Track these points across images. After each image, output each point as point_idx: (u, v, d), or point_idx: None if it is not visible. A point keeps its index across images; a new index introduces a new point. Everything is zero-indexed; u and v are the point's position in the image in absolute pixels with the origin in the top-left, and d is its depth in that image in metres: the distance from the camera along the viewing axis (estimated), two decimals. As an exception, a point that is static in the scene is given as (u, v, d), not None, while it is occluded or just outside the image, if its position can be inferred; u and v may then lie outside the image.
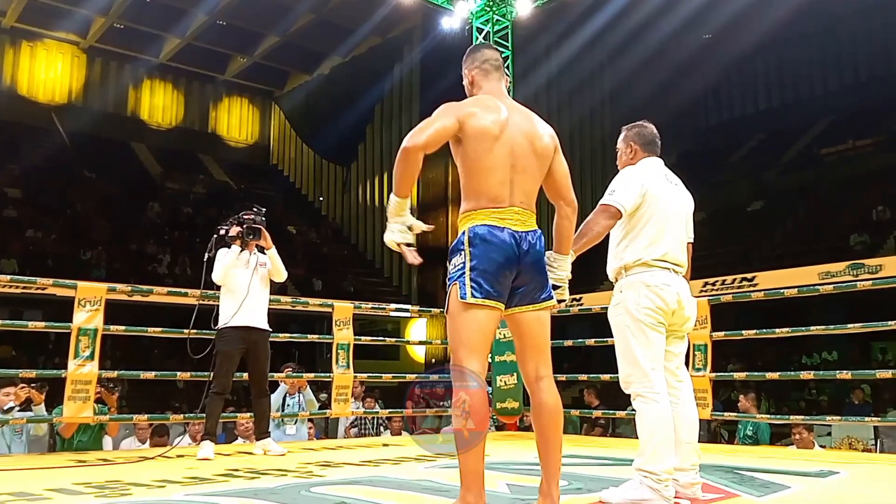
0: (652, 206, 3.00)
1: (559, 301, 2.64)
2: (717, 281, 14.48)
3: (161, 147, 25.36)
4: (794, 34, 20.10)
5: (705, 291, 14.41)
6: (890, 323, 5.23)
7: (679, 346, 3.08)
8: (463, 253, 2.45)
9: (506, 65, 10.25)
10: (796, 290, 5.73)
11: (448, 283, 2.49)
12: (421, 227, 2.48)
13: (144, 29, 22.77)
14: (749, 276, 14.23)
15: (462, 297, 2.40)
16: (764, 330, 5.62)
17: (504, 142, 2.48)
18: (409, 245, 2.50)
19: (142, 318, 5.40)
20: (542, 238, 2.56)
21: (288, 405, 6.26)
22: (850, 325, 5.22)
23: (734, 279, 14.33)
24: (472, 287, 2.40)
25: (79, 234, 18.13)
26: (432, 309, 8.42)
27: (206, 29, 22.24)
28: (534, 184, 2.56)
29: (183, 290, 5.83)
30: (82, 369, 4.65)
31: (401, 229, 2.48)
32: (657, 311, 2.91)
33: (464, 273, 2.42)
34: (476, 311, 2.40)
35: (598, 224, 2.96)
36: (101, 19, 22.26)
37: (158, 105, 26.33)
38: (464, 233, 2.48)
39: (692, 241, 3.16)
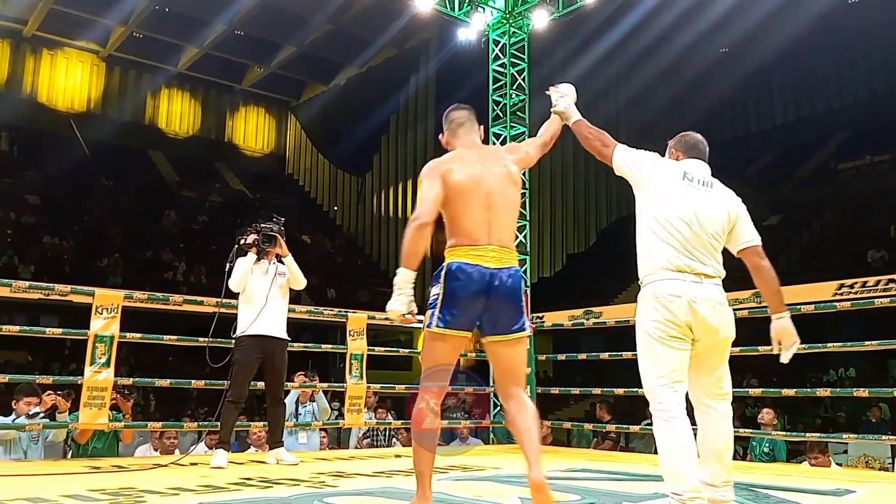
0: (663, 210, 2.86)
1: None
2: (734, 298, 14.39)
3: (178, 155, 25.57)
4: (810, 49, 20.04)
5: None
6: (907, 340, 5.18)
7: (715, 360, 2.85)
8: (439, 285, 2.76)
9: (522, 77, 10.26)
10: (812, 305, 5.69)
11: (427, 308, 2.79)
12: (408, 310, 2.77)
13: (163, 38, 23.02)
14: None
15: (429, 326, 2.75)
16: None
17: (480, 190, 2.82)
18: (413, 314, 2.77)
19: (157, 326, 5.44)
20: (520, 274, 2.85)
21: (300, 413, 6.27)
22: (867, 342, 5.18)
23: (752, 294, 14.23)
24: (438, 317, 2.73)
25: (95, 242, 18.28)
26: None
27: (223, 39, 22.45)
28: (514, 218, 2.96)
29: (199, 299, 5.86)
30: (98, 376, 4.68)
31: (408, 301, 2.78)
32: (666, 324, 2.76)
33: (436, 304, 2.75)
34: (439, 338, 2.75)
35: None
36: (120, 28, 22.53)
37: (176, 114, 26.56)
38: (443, 266, 2.80)
39: (749, 245, 2.91)
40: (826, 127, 22.01)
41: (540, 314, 15.90)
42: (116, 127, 23.75)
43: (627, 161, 2.99)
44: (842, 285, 13.63)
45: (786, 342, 2.87)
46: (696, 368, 2.83)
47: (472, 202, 2.82)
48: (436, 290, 2.77)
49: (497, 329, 2.78)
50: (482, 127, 3.17)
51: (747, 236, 2.93)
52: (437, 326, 2.73)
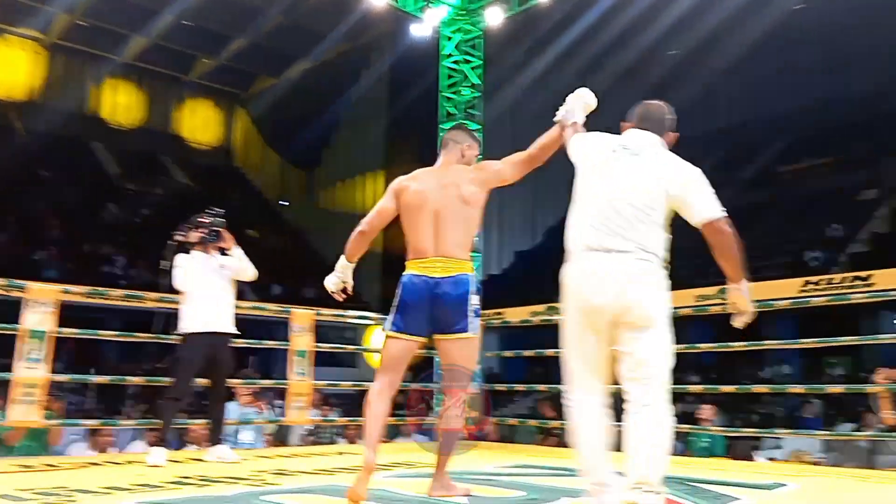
0: (582, 186, 2.76)
1: None
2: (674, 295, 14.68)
3: (121, 147, 24.93)
4: (755, 54, 20.49)
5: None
6: (841, 338, 5.36)
7: (630, 344, 2.57)
8: (397, 294, 3.20)
9: (477, 74, 10.29)
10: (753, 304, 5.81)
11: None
12: (336, 289, 3.53)
13: (109, 27, 22.41)
14: (708, 290, 14.47)
15: (384, 329, 3.25)
16: (719, 343, 5.70)
17: (427, 207, 3.19)
18: (341, 290, 3.49)
19: (95, 322, 5.29)
20: (467, 279, 3.15)
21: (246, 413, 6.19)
22: (802, 340, 5.33)
23: (696, 297, 14.58)
24: (392, 322, 3.20)
25: (32, 234, 17.72)
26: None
27: (172, 29, 21.96)
28: (463, 232, 3.22)
29: (140, 294, 5.74)
30: (31, 372, 4.53)
31: (336, 280, 3.53)
32: (574, 307, 2.63)
33: (391, 310, 3.21)
34: (389, 340, 3.20)
35: None
36: (65, 16, 21.87)
37: (120, 105, 25.90)
38: (401, 277, 3.22)
39: (699, 221, 2.64)
40: (768, 131, 22.58)
41: (499, 310, 15.94)
42: (58, 117, 23.03)
43: (570, 147, 2.96)
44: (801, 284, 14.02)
45: (743, 309, 2.73)
46: (623, 353, 2.61)
47: (419, 219, 3.20)
48: (395, 300, 3.19)
49: (441, 328, 3.14)
50: (469, 144, 3.40)
51: (694, 209, 2.67)
52: (390, 330, 3.19)
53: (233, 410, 5.96)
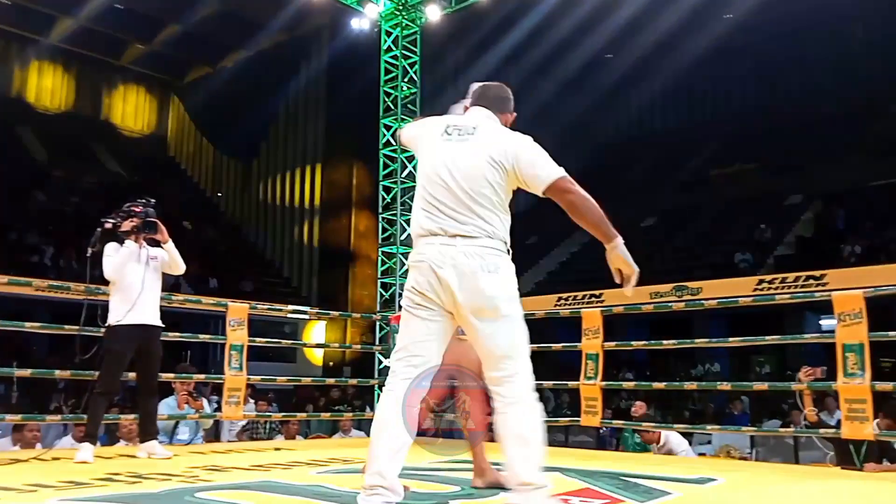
0: (420, 173, 2.62)
1: None
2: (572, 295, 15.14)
3: (48, 132, 24.06)
4: (692, 59, 21.00)
5: (597, 302, 14.88)
6: (767, 338, 5.53)
7: (482, 335, 2.46)
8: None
9: (413, 70, 10.30)
10: (683, 303, 5.98)
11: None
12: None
13: (35, 8, 21.59)
14: (644, 289, 14.84)
15: None
16: (652, 341, 5.83)
17: None
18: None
19: (20, 314, 5.10)
20: None
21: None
22: (731, 339, 5.49)
23: (650, 293, 14.96)
24: None
25: (-47, 221, 16.99)
26: (331, 312, 8.34)
27: (102, 11, 21.26)
28: None
29: (66, 284, 5.55)
30: (-51, 365, 4.34)
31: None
32: (412, 292, 2.51)
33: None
34: None
35: None
36: (-13, -6, 21.00)
37: (47, 88, 25.00)
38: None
39: (542, 185, 2.50)
40: (701, 135, 23.20)
41: None
42: (-21, 100, 22.15)
43: (403, 133, 2.87)
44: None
45: (625, 270, 2.51)
46: (477, 348, 2.52)
47: None
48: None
49: None
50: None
51: (536, 175, 2.51)
52: None
53: (170, 407, 5.83)
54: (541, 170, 2.51)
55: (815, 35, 20.04)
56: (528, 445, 2.41)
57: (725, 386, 5.72)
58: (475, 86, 2.86)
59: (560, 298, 16.96)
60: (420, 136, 2.71)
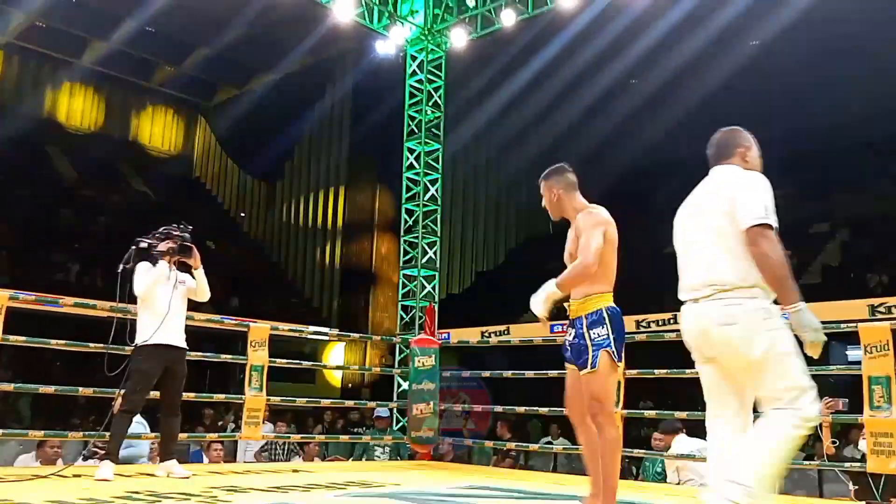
0: (675, 238, 2.92)
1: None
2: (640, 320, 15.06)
3: (78, 153, 24.46)
4: (716, 89, 20.95)
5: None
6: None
7: (733, 385, 2.67)
8: (607, 326, 3.21)
9: (438, 94, 10.39)
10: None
11: (595, 350, 3.20)
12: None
13: (69, 30, 22.05)
14: (666, 316, 14.71)
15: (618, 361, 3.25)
16: (675, 370, 5.77)
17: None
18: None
19: (45, 331, 5.15)
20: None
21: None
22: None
23: (655, 319, 14.82)
24: (616, 353, 3.23)
25: (-18, 238, 17.26)
26: (351, 333, 8.35)
27: (134, 35, 21.69)
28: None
29: (91, 302, 5.61)
30: (-24, 381, 4.39)
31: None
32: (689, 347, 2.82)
33: (610, 342, 3.20)
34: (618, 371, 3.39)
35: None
36: (23, 17, 21.46)
37: (77, 109, 25.44)
38: (603, 310, 3.24)
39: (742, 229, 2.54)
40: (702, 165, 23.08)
41: (446, 331, 15.98)
42: (12, 119, 22.54)
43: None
44: (639, 321, 14.42)
45: (805, 337, 2.51)
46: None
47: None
48: (604, 332, 3.21)
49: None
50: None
51: (737, 218, 2.60)
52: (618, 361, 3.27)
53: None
54: (739, 213, 2.60)
55: (843, 61, 19.91)
56: (760, 451, 2.44)
57: (748, 416, 5.66)
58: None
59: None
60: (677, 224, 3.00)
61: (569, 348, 3.32)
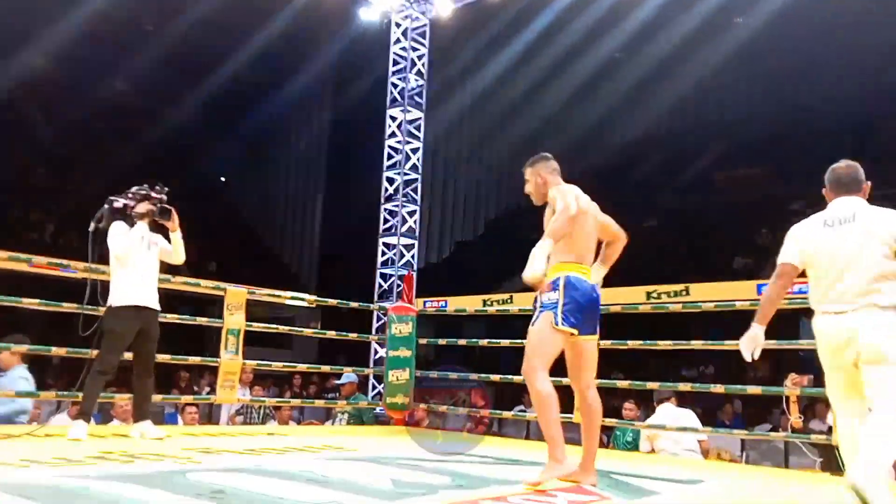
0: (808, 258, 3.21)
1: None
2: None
3: (52, 110, 23.98)
4: (696, 61, 20.96)
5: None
6: (764, 343, 5.55)
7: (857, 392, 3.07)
8: (558, 292, 3.28)
9: (421, 62, 10.30)
10: (680, 305, 5.99)
11: (541, 310, 3.31)
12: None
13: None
14: (652, 289, 14.89)
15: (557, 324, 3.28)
16: (647, 341, 5.86)
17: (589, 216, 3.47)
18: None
19: (17, 290, 5.11)
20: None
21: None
22: (726, 342, 5.50)
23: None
24: (562, 317, 3.27)
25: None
26: (329, 300, 8.37)
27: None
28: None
29: (66, 262, 5.57)
30: (-53, 338, 4.36)
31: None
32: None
33: (557, 306, 3.27)
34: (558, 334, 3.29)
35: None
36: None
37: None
38: (560, 277, 3.31)
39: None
40: (706, 138, 23.17)
41: (443, 299, 15.85)
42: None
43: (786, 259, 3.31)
44: (650, 292, 14.56)
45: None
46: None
47: (587, 227, 3.46)
48: (555, 296, 3.28)
49: (588, 330, 3.39)
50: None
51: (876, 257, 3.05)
52: (570, 327, 3.29)
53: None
54: None
55: (825, 42, 19.98)
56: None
57: (719, 388, 5.76)
58: (830, 172, 3.41)
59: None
60: (797, 247, 3.30)
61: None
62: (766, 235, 17.34)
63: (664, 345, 5.76)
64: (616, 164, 24.55)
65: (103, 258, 4.52)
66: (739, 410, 11.66)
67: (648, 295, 14.58)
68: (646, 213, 20.84)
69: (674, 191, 21.98)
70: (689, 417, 5.97)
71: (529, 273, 3.13)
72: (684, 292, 14.34)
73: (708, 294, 13.51)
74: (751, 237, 17.66)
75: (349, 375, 7.37)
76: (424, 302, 15.94)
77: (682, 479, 3.90)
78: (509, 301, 15.51)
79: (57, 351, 5.21)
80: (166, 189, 4.67)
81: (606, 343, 5.51)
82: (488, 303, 16.05)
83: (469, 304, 15.60)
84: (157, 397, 5.43)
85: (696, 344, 5.92)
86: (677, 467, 4.67)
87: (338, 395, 8.13)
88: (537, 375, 3.25)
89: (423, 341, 6.88)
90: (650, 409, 6.53)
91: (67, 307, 4.87)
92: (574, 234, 3.38)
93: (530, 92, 22.36)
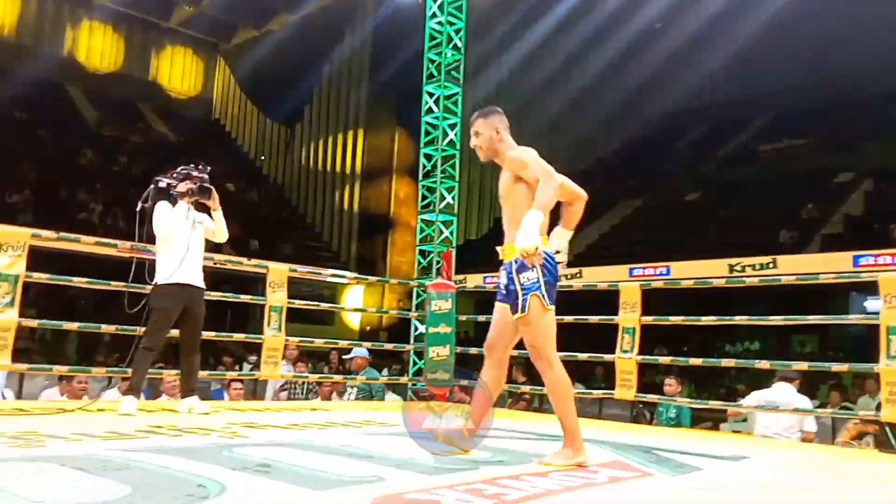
0: None
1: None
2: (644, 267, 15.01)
3: (98, 92, 24.45)
4: (741, 30, 20.48)
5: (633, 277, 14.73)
6: (810, 317, 5.45)
7: None
8: (535, 270, 3.15)
9: (458, 36, 10.18)
10: (724, 280, 5.90)
11: (525, 294, 3.17)
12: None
13: (86, -32, 21.86)
14: (665, 265, 14.70)
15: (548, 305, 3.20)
16: (690, 317, 5.78)
17: None
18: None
19: (69, 270, 5.24)
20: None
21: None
22: (771, 318, 5.41)
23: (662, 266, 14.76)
24: (548, 296, 3.18)
25: (6, 177, 17.40)
26: (369, 277, 8.41)
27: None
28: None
29: (113, 242, 5.68)
30: (1, 315, 4.49)
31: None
32: None
33: (540, 285, 3.16)
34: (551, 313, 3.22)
35: None
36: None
37: (97, 48, 25.34)
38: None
39: None
40: (751, 108, 22.66)
41: (462, 276, 15.95)
42: (33, 58, 22.51)
43: None
44: (733, 265, 14.25)
45: None
46: None
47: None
48: (534, 276, 3.16)
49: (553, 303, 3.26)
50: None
51: None
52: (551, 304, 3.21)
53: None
54: None
55: (871, 9, 19.32)
56: None
57: (764, 364, 5.65)
58: None
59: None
60: None
61: (503, 290, 3.32)
62: (813, 209, 16.96)
63: (707, 320, 5.68)
64: (658, 136, 24.18)
65: (150, 237, 4.60)
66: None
67: (731, 268, 14.28)
68: (688, 185, 20.52)
69: (716, 164, 21.58)
70: (806, 405, 5.80)
71: (529, 243, 3.00)
72: (771, 264, 13.97)
73: (797, 266, 13.16)
74: (796, 210, 17.28)
75: (358, 350, 7.32)
76: (484, 277, 15.91)
77: (727, 455, 3.86)
78: (579, 276, 15.29)
79: (107, 328, 5.33)
80: (209, 168, 4.73)
81: (649, 319, 5.47)
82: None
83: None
84: (203, 373, 5.54)
85: (741, 319, 5.82)
86: (722, 443, 4.62)
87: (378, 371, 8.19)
88: (555, 364, 3.18)
89: (462, 318, 6.89)
90: (702, 384, 6.44)
91: (115, 286, 4.97)
92: None
93: (568, 63, 22.07)
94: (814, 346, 15.60)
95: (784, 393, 5.70)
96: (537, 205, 3.08)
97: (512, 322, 3.27)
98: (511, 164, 3.28)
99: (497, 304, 3.38)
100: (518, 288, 3.17)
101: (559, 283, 3.30)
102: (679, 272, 14.32)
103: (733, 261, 14.31)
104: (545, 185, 3.11)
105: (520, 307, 3.18)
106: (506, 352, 3.41)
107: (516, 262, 3.16)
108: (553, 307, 3.20)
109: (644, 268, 15.00)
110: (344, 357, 7.94)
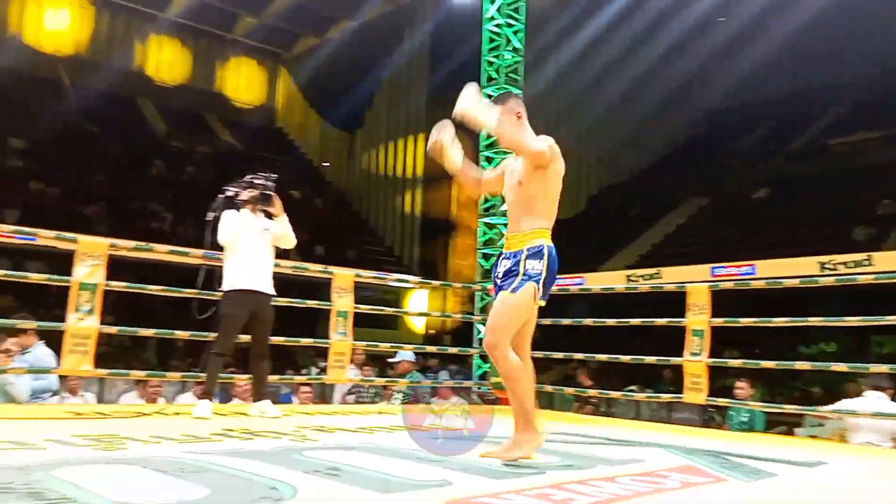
0: None
1: None
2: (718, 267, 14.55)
3: (166, 104, 25.21)
4: (808, 22, 19.87)
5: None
6: (889, 318, 5.25)
7: None
8: (542, 262, 3.17)
9: (517, 38, 10.13)
10: (797, 279, 5.74)
11: (525, 279, 3.14)
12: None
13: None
14: (749, 263, 14.19)
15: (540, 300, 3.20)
16: (762, 318, 5.64)
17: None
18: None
19: (145, 278, 5.42)
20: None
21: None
22: (847, 318, 5.23)
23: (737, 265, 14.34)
24: (543, 291, 3.18)
25: (81, 189, 18.09)
26: (433, 281, 8.44)
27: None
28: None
29: (185, 250, 5.85)
30: (82, 323, 4.67)
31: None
32: None
33: (541, 278, 3.16)
34: (534, 308, 3.22)
35: None
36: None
37: (165, 62, 26.11)
38: (543, 246, 3.20)
39: None
40: (820, 102, 21.95)
41: (581, 276, 15.52)
42: (104, 72, 23.33)
43: None
44: (824, 263, 13.73)
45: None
46: None
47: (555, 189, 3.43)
48: (539, 266, 3.16)
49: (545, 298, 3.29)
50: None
51: None
52: (542, 300, 3.22)
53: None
54: None
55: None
56: None
57: (840, 367, 5.45)
58: None
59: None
60: None
61: (501, 276, 3.26)
62: (889, 205, 16.33)
63: (779, 322, 5.53)
64: (720, 132, 23.65)
65: (220, 245, 4.72)
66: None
67: (822, 266, 13.80)
68: (754, 183, 20.00)
69: (784, 159, 20.98)
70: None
71: (481, 116, 3.19)
72: (866, 262, 13.43)
73: (893, 263, 12.61)
74: (871, 206, 16.66)
75: (403, 353, 7.26)
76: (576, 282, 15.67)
77: (803, 461, 3.76)
78: (657, 276, 14.99)
79: (180, 334, 5.49)
80: (273, 176, 4.83)
81: (718, 321, 5.36)
82: (632, 279, 15.52)
83: (612, 280, 15.17)
84: (272, 377, 5.65)
85: (814, 320, 5.65)
86: (798, 448, 4.49)
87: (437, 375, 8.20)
88: (506, 349, 3.11)
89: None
90: (775, 387, 6.26)
91: (187, 293, 5.12)
92: (553, 196, 3.33)
93: (624, 58, 21.72)
94: (892, 347, 15.00)
95: (875, 403, 5.47)
96: (508, 126, 3.22)
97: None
98: (515, 146, 3.38)
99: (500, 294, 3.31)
100: (521, 272, 3.16)
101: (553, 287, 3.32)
102: (765, 271, 13.83)
103: (824, 258, 13.76)
104: (532, 139, 3.23)
105: (512, 286, 3.14)
106: (524, 341, 3.32)
107: (528, 250, 3.17)
108: (542, 304, 3.20)
109: (727, 266, 14.44)
110: (390, 360, 7.96)
